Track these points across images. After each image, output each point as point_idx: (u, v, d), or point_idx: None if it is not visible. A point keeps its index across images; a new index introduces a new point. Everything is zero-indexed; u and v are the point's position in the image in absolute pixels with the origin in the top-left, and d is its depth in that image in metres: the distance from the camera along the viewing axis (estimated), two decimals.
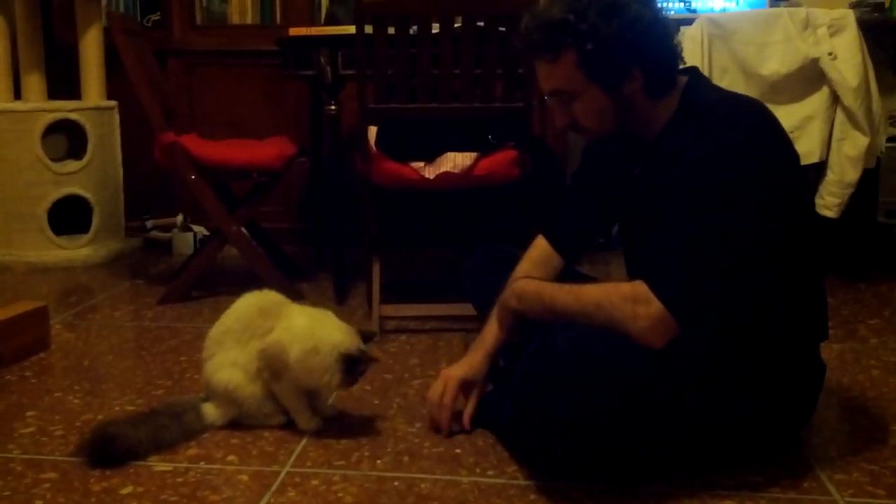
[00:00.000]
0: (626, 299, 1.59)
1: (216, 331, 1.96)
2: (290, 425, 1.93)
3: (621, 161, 1.84)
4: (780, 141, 1.67)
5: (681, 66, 1.78)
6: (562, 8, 1.66)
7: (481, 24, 2.62)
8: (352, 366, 1.84)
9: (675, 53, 1.72)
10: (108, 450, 1.75)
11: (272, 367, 1.88)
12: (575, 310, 1.66)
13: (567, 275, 2.00)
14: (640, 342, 1.57)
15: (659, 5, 1.71)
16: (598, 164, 1.96)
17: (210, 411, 1.93)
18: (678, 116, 1.71)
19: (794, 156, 1.71)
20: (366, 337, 1.93)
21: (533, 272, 1.94)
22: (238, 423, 1.93)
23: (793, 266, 1.67)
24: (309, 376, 1.86)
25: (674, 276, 1.58)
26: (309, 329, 1.88)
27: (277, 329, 1.89)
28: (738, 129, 1.60)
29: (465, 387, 1.92)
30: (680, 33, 3.04)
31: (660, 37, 1.68)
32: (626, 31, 1.63)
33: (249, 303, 1.96)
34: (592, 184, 1.98)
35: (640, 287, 1.59)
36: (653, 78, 1.69)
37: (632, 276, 1.82)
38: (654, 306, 1.56)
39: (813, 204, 1.79)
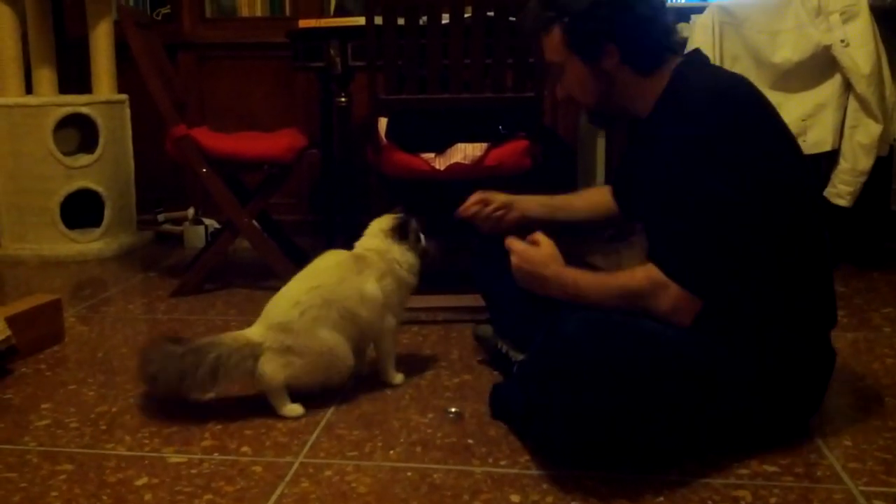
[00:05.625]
0: (643, 287, 1.67)
1: (305, 286, 1.99)
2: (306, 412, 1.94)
3: (637, 140, 1.89)
4: (764, 122, 1.68)
5: (685, 50, 1.82)
6: None
7: (491, 13, 2.61)
8: (402, 232, 2.09)
9: (659, 31, 1.75)
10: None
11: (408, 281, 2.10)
12: (601, 298, 1.72)
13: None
14: (670, 322, 1.64)
15: None
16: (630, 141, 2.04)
17: (268, 367, 1.92)
18: (665, 95, 1.74)
19: (782, 137, 1.71)
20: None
21: (584, 200, 2.19)
22: (252, 411, 1.94)
23: (796, 251, 1.68)
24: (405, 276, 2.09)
25: (679, 255, 1.65)
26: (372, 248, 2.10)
27: (375, 266, 2.05)
28: (719, 110, 1.62)
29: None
30: (691, 21, 3.06)
31: (639, 14, 1.72)
32: (599, 7, 1.71)
33: (333, 260, 2.06)
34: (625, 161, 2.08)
35: (653, 272, 1.66)
36: (630, 54, 1.74)
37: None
38: (672, 289, 1.64)
39: (814, 189, 1.79)
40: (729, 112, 1.62)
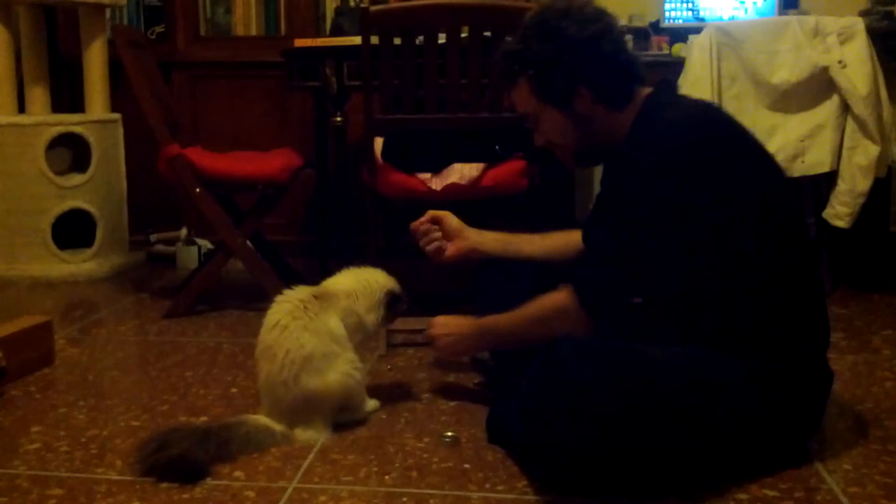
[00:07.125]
0: (558, 313, 1.76)
1: (292, 353, 1.92)
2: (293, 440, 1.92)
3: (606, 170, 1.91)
4: (736, 145, 1.70)
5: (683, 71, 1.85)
6: (517, 37, 1.79)
7: (488, 34, 2.61)
8: (394, 302, 2.09)
9: (626, 66, 1.77)
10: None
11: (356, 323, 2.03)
12: (524, 332, 1.84)
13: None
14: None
15: (607, 21, 1.76)
16: None
17: (310, 434, 1.93)
18: (636, 124, 1.75)
19: (757, 158, 1.72)
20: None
21: (547, 241, 2.16)
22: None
23: (782, 273, 1.68)
24: (367, 316, 2.06)
25: (590, 277, 1.73)
26: (358, 278, 2.11)
27: (337, 303, 2.01)
28: (691, 135, 1.65)
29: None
30: (689, 42, 3.06)
31: (603, 53, 1.73)
32: (563, 53, 1.72)
33: (285, 309, 1.96)
34: None
35: (566, 296, 1.74)
36: (601, 92, 1.75)
37: None
38: (583, 314, 1.72)
39: (797, 208, 1.78)
40: (699, 137, 1.65)
